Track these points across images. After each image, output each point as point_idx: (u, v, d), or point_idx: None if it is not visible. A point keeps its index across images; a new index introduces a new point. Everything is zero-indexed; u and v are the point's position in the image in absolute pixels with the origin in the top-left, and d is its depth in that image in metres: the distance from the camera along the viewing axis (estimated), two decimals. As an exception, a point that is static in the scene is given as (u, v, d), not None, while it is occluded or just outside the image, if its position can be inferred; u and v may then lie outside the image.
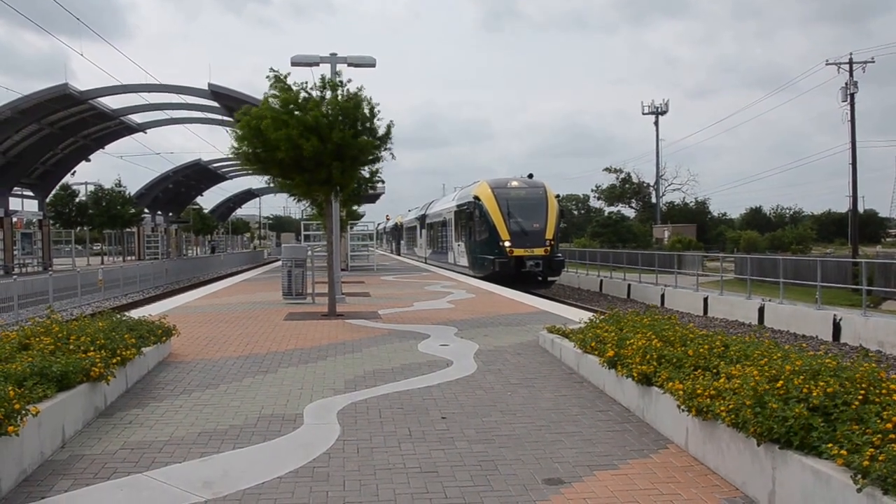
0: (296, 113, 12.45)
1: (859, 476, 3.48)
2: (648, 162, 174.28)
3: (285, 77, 12.86)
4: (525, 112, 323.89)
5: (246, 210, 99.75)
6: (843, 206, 71.16)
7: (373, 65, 17.95)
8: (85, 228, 44.47)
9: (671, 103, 71.21)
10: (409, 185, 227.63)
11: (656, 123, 70.03)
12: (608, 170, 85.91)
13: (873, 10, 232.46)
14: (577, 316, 12.27)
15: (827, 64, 41.77)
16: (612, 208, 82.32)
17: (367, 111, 13.06)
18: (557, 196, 30.06)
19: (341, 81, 13.27)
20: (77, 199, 43.28)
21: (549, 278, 28.45)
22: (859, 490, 3.44)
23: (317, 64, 17.43)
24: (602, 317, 9.12)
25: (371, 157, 13.47)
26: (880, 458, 3.48)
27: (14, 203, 35.44)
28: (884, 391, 4.27)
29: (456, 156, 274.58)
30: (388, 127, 13.32)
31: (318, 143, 12.14)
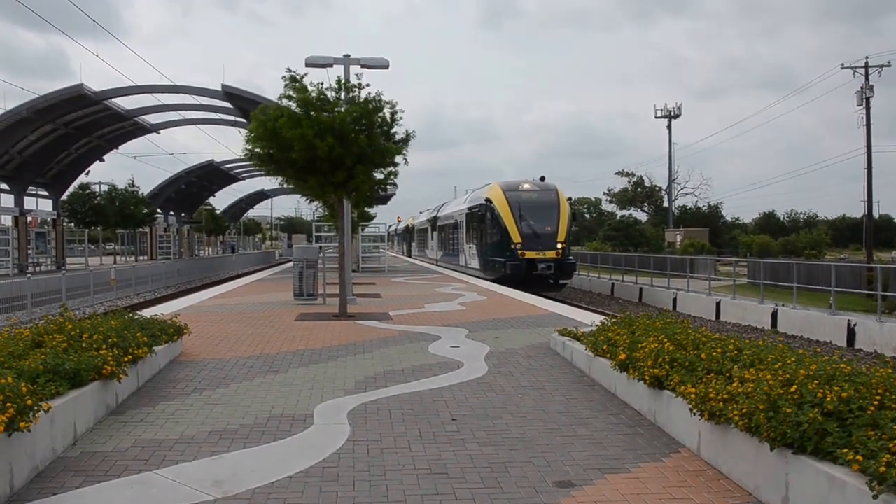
0: (312, 114, 12.49)
1: (875, 482, 3.44)
2: (661, 165, 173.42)
3: (302, 78, 12.90)
4: (531, 113, 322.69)
5: (258, 211, 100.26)
6: (857, 211, 70.72)
7: (386, 66, 17.99)
8: (98, 228, 44.72)
9: (678, 105, 70.69)
10: (416, 186, 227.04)
11: (669, 127, 69.53)
12: (620, 173, 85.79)
13: (885, 8, 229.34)
14: (589, 319, 12.21)
15: (843, 67, 41.30)
16: (625, 212, 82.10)
17: (388, 115, 13.12)
18: (569, 199, 29.98)
19: (359, 84, 13.32)
20: (96, 200, 43.53)
21: (561, 281, 28.38)
22: (875, 497, 3.39)
23: (331, 65, 17.50)
24: (614, 320, 9.08)
25: (390, 161, 13.55)
26: (897, 464, 3.43)
27: (29, 202, 35.77)
28: (900, 396, 4.22)
29: (462, 157, 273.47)
30: (408, 133, 13.46)
31: (335, 145, 12.14)
